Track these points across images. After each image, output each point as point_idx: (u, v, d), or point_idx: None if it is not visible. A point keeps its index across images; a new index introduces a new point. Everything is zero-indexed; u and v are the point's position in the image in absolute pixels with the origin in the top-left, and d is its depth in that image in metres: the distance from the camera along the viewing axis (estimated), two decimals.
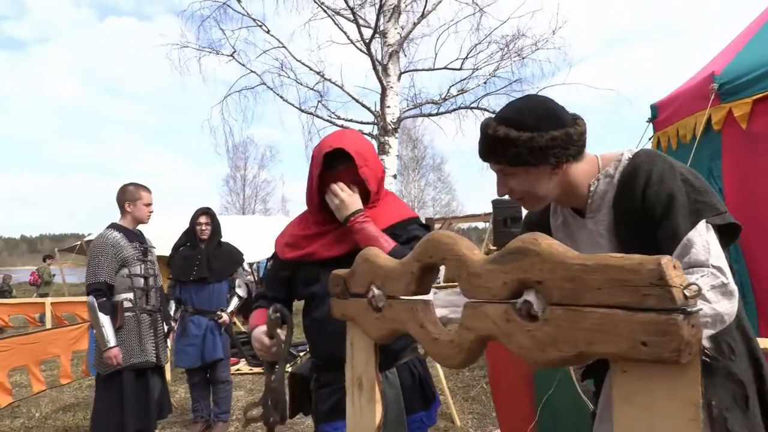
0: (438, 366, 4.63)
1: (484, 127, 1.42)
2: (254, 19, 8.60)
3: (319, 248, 1.89)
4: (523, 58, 9.40)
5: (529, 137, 1.33)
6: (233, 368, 6.23)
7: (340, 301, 1.54)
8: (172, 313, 4.64)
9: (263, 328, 1.89)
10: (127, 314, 3.60)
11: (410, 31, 8.60)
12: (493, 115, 1.46)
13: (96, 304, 3.46)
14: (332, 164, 1.82)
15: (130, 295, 3.63)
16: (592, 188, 1.45)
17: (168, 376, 6.68)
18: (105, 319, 3.47)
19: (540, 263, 0.95)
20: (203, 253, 4.63)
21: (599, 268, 0.86)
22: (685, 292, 0.77)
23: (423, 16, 8.43)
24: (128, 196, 3.68)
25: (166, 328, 3.98)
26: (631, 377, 0.89)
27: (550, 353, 0.95)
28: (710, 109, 3.86)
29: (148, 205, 3.73)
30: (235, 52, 9.17)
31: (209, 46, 9.34)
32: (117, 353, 3.47)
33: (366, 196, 1.87)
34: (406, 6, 8.51)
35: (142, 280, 3.68)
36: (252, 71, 9.14)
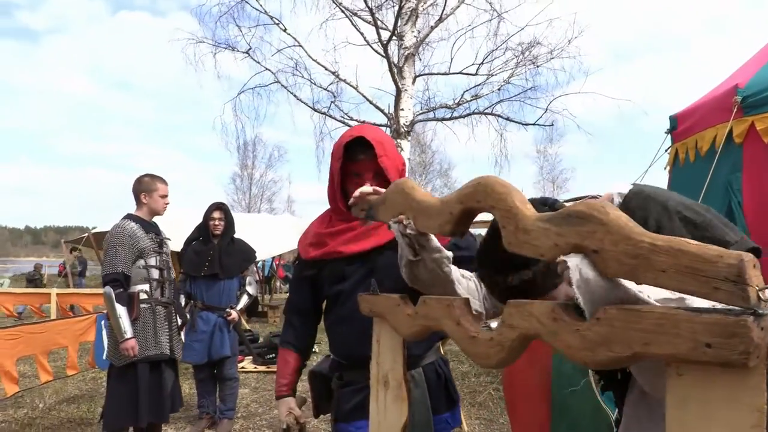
0: None
1: (494, 284, 1.26)
2: (271, 17, 8.60)
3: (343, 244, 1.87)
4: (537, 66, 9.38)
5: (542, 264, 1.19)
6: (238, 366, 6.20)
7: (368, 297, 1.52)
8: None
9: (287, 405, 1.94)
10: (142, 306, 3.58)
11: (427, 35, 8.59)
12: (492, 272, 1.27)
13: (113, 295, 3.44)
14: (353, 155, 1.82)
15: (146, 287, 3.61)
16: None
17: None
18: (122, 310, 3.45)
19: (602, 233, 0.92)
20: (215, 249, 4.60)
21: (671, 251, 0.82)
22: (761, 294, 0.74)
23: (440, 20, 8.41)
24: (144, 187, 3.66)
25: (179, 321, 3.96)
26: (688, 381, 0.86)
27: (600, 354, 0.92)
28: (732, 121, 3.83)
29: (164, 196, 3.71)
30: (250, 49, 9.17)
31: (225, 42, 9.36)
32: (134, 344, 3.44)
33: None
34: (423, 9, 8.51)
35: (157, 272, 3.66)
36: (267, 69, 9.14)
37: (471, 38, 8.90)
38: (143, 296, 3.59)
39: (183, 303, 4.65)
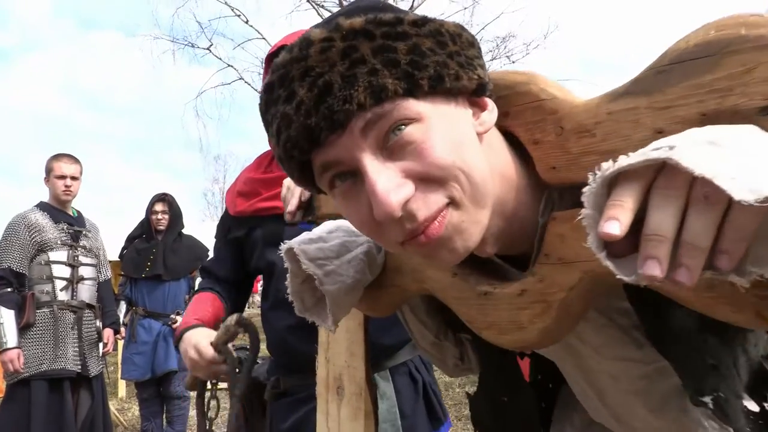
0: None
1: (305, 44, 0.56)
2: (232, 8, 8.07)
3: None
4: (513, 62, 9.08)
5: (421, 19, 0.59)
6: None
7: None
8: (122, 316, 4.00)
9: (206, 331, 1.34)
10: (42, 310, 2.96)
11: None
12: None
13: None
14: None
15: (48, 287, 2.98)
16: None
17: (122, 391, 6.00)
18: (6, 314, 2.85)
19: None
20: (159, 246, 4.01)
21: None
22: None
23: (411, 8, 8.00)
24: (45, 169, 3.10)
25: (108, 332, 3.30)
26: None
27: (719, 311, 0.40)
28: None
29: (61, 177, 3.07)
30: (211, 45, 8.66)
31: (184, 38, 8.83)
32: (14, 357, 2.82)
33: None
34: None
35: (68, 270, 3.04)
36: (230, 65, 8.62)
37: None
38: (44, 298, 2.97)
39: (124, 311, 4.05)
